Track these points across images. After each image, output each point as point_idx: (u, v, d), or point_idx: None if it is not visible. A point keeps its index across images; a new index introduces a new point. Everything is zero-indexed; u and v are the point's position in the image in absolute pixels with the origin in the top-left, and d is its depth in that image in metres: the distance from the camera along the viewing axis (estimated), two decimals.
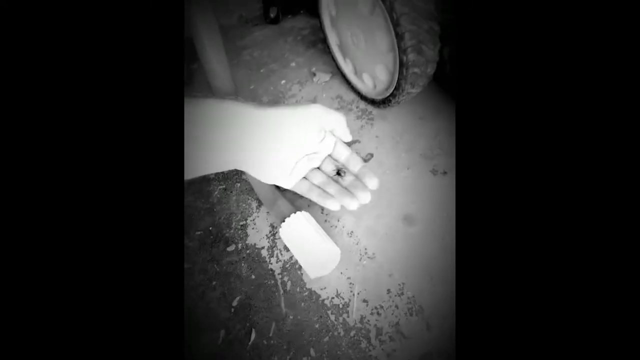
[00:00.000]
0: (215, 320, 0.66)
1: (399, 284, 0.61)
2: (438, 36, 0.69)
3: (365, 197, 0.32)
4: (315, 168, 0.34)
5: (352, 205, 0.32)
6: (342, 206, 0.33)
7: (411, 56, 0.68)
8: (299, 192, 0.33)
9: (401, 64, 0.71)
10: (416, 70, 0.71)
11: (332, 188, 0.33)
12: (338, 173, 0.34)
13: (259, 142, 0.28)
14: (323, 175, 0.34)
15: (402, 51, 0.68)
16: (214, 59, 0.65)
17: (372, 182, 0.33)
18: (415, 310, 0.57)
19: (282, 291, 0.67)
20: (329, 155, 0.34)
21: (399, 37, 0.67)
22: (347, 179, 0.33)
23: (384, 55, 0.76)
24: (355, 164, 0.34)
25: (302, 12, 1.37)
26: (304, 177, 0.33)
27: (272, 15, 1.35)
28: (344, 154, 0.34)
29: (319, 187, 0.33)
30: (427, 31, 0.67)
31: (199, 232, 0.82)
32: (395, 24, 0.66)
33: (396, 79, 0.75)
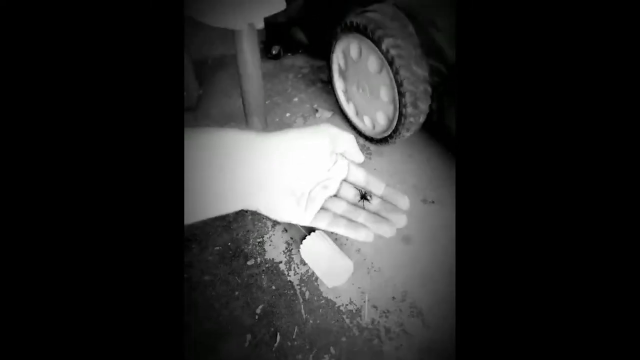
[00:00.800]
0: (241, 326, 0.75)
1: (401, 292, 0.75)
2: (429, 95, 0.88)
3: (401, 220, 0.29)
4: (332, 196, 0.30)
5: (390, 231, 0.29)
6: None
7: (409, 109, 0.86)
8: (320, 227, 0.30)
9: (400, 114, 0.89)
10: (412, 119, 0.89)
11: (360, 216, 0.30)
12: (364, 197, 0.30)
13: (266, 173, 0.25)
14: (344, 203, 0.30)
15: (402, 105, 0.86)
16: (255, 93, 0.77)
17: (404, 202, 0.30)
18: (416, 312, 0.72)
19: (301, 300, 0.77)
20: (344, 180, 0.31)
21: (401, 94, 0.85)
22: (374, 203, 0.30)
23: (385, 105, 0.94)
24: (378, 186, 0.31)
25: (300, 51, 1.54)
26: (322, 208, 0.30)
27: (274, 52, 1.50)
28: (361, 177, 0.31)
29: (342, 217, 0.30)
30: (422, 91, 0.86)
31: (217, 248, 0.90)
32: (399, 85, 0.84)
33: (394, 125, 0.93)
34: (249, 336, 0.73)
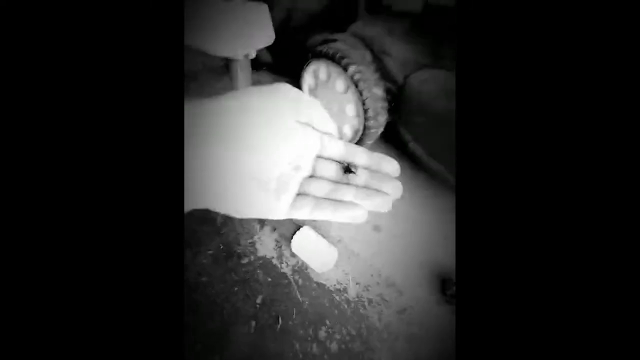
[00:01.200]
0: (245, 314, 0.85)
1: (377, 270, 0.92)
2: (386, 110, 1.08)
3: (397, 189, 0.26)
4: (307, 177, 0.26)
5: (386, 204, 0.26)
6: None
7: (372, 122, 1.05)
8: (302, 216, 0.25)
9: (364, 127, 1.07)
10: (373, 130, 1.08)
11: (348, 193, 0.25)
12: (347, 170, 0.27)
13: (213, 155, 0.20)
14: (326, 182, 0.26)
15: (366, 119, 1.05)
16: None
17: (393, 166, 0.27)
18: (390, 284, 0.89)
19: (296, 286, 0.90)
20: (319, 157, 0.27)
21: (365, 110, 1.04)
22: (362, 176, 0.26)
23: (351, 119, 1.12)
24: (361, 154, 0.27)
25: (264, 68, 1.67)
26: (300, 193, 0.25)
27: None
28: (339, 147, 0.27)
29: (326, 199, 0.26)
30: (381, 107, 1.06)
31: (210, 252, 0.98)
32: (363, 103, 1.03)
33: (359, 135, 1.11)
34: (253, 322, 0.83)
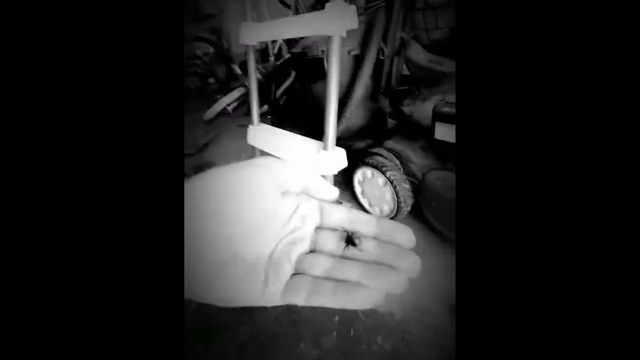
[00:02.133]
0: (328, 327, 1.35)
1: (414, 303, 1.43)
2: (412, 197, 1.68)
3: (413, 263, 0.23)
4: (306, 253, 0.23)
5: (399, 284, 0.22)
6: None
7: (402, 205, 1.65)
8: (297, 302, 0.22)
9: (397, 207, 1.67)
10: (404, 210, 1.67)
11: (352, 270, 0.22)
12: (350, 242, 0.24)
13: (193, 232, 0.19)
14: (326, 257, 0.23)
15: (398, 203, 1.65)
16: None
17: (407, 236, 0.23)
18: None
19: (360, 311, 1.41)
20: (319, 228, 0.24)
21: (397, 197, 1.64)
22: (368, 247, 0.23)
23: (388, 202, 1.72)
24: (368, 222, 0.24)
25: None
26: (296, 273, 0.23)
27: None
28: (341, 216, 0.24)
29: (326, 279, 0.23)
30: (408, 195, 1.66)
31: None
32: (396, 193, 1.64)
33: (395, 213, 1.70)
34: (334, 332, 1.34)
